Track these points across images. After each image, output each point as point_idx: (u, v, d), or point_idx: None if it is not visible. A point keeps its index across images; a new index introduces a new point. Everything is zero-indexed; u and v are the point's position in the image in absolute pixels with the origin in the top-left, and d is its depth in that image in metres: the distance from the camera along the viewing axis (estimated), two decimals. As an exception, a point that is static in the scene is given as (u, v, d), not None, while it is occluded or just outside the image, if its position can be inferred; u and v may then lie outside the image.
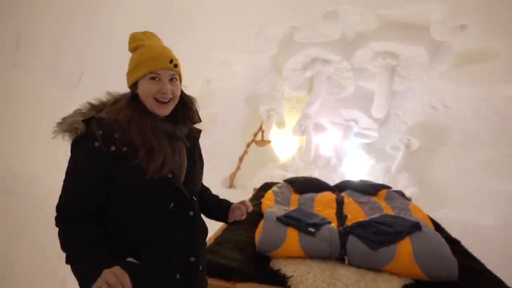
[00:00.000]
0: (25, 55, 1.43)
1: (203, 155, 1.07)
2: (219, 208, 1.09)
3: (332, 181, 3.80)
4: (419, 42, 3.83)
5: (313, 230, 1.73)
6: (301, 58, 4.68)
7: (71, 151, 0.83)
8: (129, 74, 0.90)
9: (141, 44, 0.91)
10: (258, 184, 3.61)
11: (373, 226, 1.74)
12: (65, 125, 0.80)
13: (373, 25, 3.90)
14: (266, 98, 5.26)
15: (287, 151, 5.31)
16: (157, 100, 0.88)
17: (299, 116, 5.06)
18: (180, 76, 0.93)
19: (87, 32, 1.91)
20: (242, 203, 1.06)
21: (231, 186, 4.93)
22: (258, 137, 5.18)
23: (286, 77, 5.00)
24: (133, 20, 2.24)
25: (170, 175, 0.85)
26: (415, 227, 1.70)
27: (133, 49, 0.92)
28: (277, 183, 3.40)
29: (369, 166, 4.75)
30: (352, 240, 1.66)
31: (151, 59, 0.87)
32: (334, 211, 2.38)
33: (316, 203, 2.61)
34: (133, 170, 0.81)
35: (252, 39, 4.04)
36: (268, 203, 2.59)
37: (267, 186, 3.34)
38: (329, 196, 2.70)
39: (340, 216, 2.28)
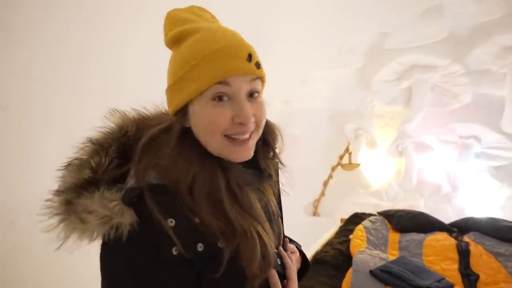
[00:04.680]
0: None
1: (282, 181, 0.70)
2: None
3: (446, 216, 2.96)
4: None
5: (425, 298, 1.22)
6: (394, 67, 4.03)
7: (110, 264, 0.43)
8: (172, 92, 0.48)
9: (192, 30, 0.47)
10: (346, 213, 3.13)
11: (536, 306, 1.10)
12: (97, 217, 0.40)
13: (497, 13, 3.01)
14: (352, 116, 4.73)
15: (381, 175, 4.55)
16: (230, 138, 0.46)
17: (395, 135, 4.32)
18: (263, 83, 0.50)
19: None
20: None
21: (314, 213, 4.49)
22: (345, 160, 4.63)
23: (376, 91, 4.39)
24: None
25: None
26: None
27: (174, 40, 0.48)
28: (370, 215, 2.86)
29: (504, 197, 3.54)
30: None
31: (214, 55, 0.43)
32: (456, 265, 1.72)
33: (425, 250, 1.97)
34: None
35: (334, 53, 3.71)
36: (358, 243, 2.14)
37: (357, 219, 2.82)
38: (446, 240, 2.02)
39: (467, 274, 1.62)
